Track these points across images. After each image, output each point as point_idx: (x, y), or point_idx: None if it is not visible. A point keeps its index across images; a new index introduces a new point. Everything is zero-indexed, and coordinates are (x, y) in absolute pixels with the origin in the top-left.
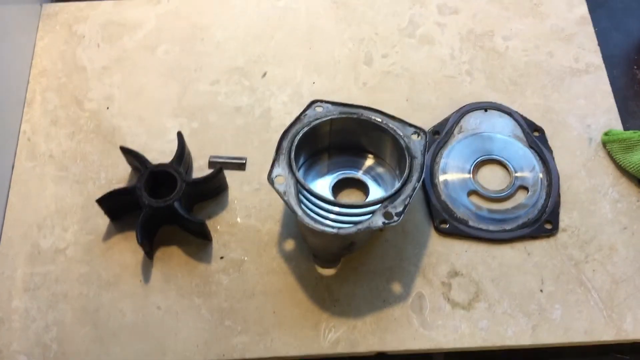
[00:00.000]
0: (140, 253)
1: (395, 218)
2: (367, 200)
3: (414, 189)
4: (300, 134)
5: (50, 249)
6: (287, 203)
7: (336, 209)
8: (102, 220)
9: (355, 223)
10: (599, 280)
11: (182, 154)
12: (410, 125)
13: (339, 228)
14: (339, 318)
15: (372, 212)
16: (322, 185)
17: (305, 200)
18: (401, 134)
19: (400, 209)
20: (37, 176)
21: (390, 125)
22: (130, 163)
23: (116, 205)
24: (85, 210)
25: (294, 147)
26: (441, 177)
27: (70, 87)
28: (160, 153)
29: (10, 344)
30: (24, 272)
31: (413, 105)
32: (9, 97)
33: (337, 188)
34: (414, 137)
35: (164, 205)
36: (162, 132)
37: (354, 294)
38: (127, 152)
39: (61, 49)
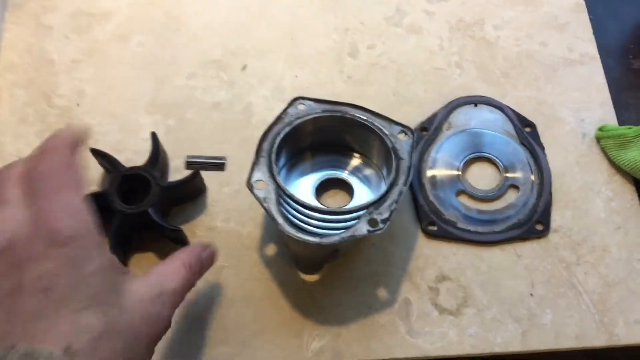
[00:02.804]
0: None
1: (381, 225)
2: (351, 205)
3: (400, 193)
4: (282, 135)
5: None
6: (267, 210)
7: (319, 215)
8: None
9: (340, 228)
10: (590, 283)
11: (157, 156)
12: (397, 123)
13: (322, 235)
14: (323, 326)
15: (358, 217)
16: (305, 185)
17: (286, 205)
18: (387, 133)
19: (386, 215)
20: None
21: (376, 123)
22: (101, 164)
23: None
24: None
25: (274, 149)
26: (429, 176)
27: (38, 83)
28: (135, 152)
29: None
30: None
31: (400, 99)
32: None
33: (321, 188)
34: (401, 136)
35: (137, 212)
36: (136, 129)
37: (338, 301)
38: (98, 154)
39: (29, 41)
